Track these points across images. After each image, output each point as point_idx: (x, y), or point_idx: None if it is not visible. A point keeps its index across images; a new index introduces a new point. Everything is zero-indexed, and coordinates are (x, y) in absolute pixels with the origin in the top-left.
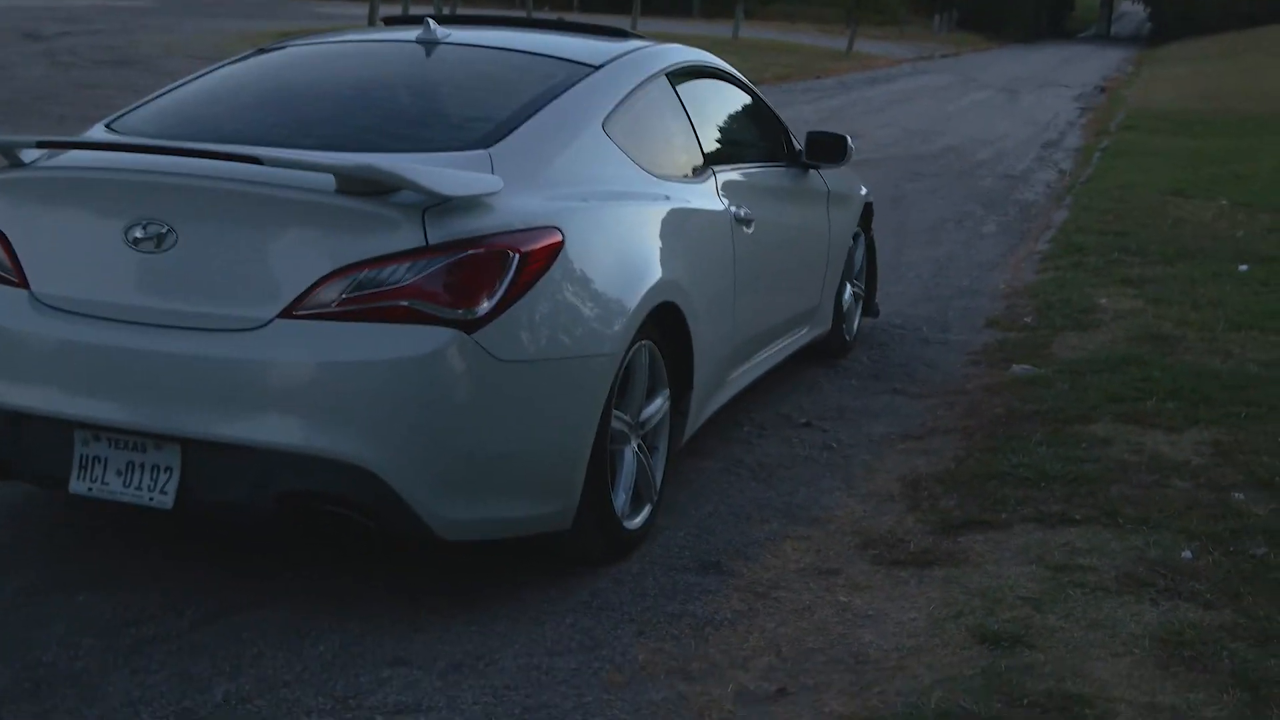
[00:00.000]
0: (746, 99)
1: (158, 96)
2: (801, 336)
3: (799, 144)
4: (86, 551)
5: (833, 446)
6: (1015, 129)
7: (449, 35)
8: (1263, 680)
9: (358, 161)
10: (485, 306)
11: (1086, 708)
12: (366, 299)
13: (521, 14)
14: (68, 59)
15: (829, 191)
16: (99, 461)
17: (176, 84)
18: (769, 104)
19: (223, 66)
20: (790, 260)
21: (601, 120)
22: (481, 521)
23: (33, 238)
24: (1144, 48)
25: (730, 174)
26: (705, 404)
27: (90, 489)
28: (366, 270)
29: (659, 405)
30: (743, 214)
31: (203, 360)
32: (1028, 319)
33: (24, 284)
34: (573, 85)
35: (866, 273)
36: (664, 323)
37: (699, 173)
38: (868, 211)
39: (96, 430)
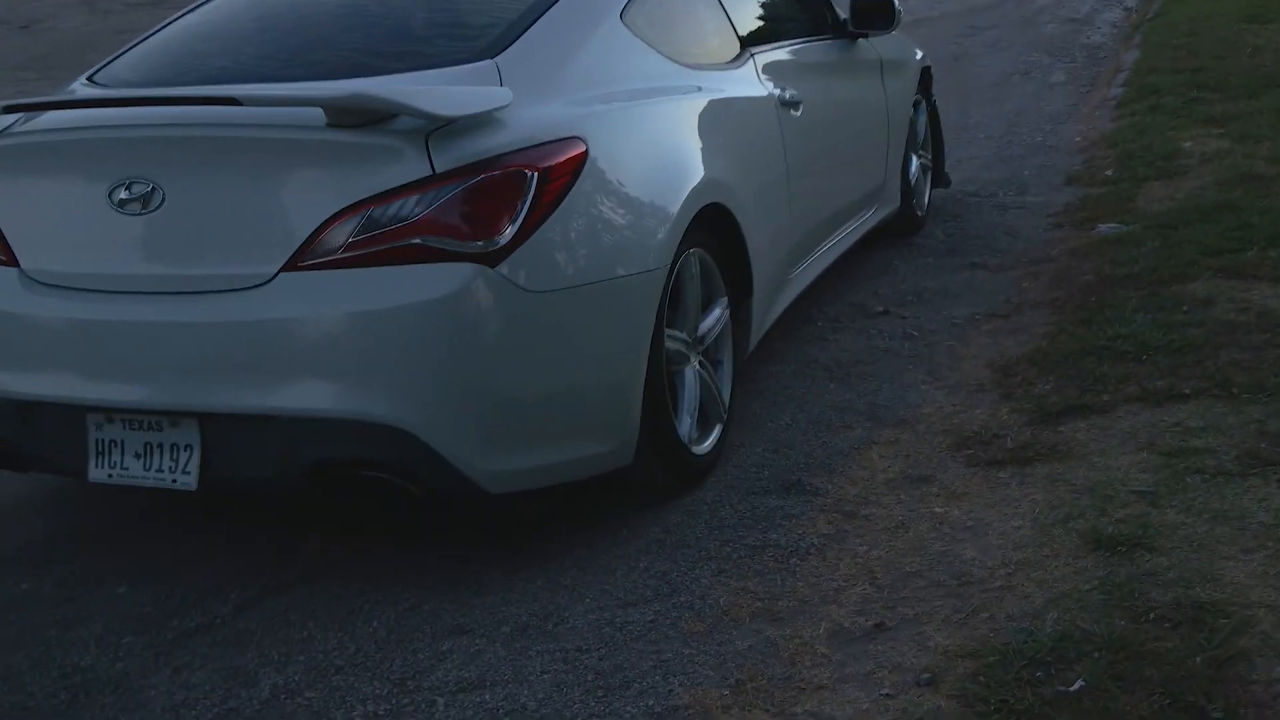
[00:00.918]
0: None
1: (142, 40)
2: (869, 218)
3: (843, 13)
4: (124, 541)
5: (913, 335)
6: None
7: None
8: None
9: (346, 90)
10: (506, 235)
11: (1221, 617)
12: (374, 241)
13: None
14: (105, 6)
15: (881, 60)
16: (115, 445)
17: (162, 24)
18: None
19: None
20: (846, 139)
21: (619, 10)
22: (532, 470)
23: (16, 210)
24: None
25: (770, 54)
26: (769, 307)
27: (111, 475)
28: (370, 209)
29: (717, 316)
30: (788, 96)
31: (206, 326)
32: (1108, 172)
33: (12, 261)
34: None
35: (931, 141)
36: (713, 227)
37: (735, 57)
38: (926, 76)
39: (109, 413)
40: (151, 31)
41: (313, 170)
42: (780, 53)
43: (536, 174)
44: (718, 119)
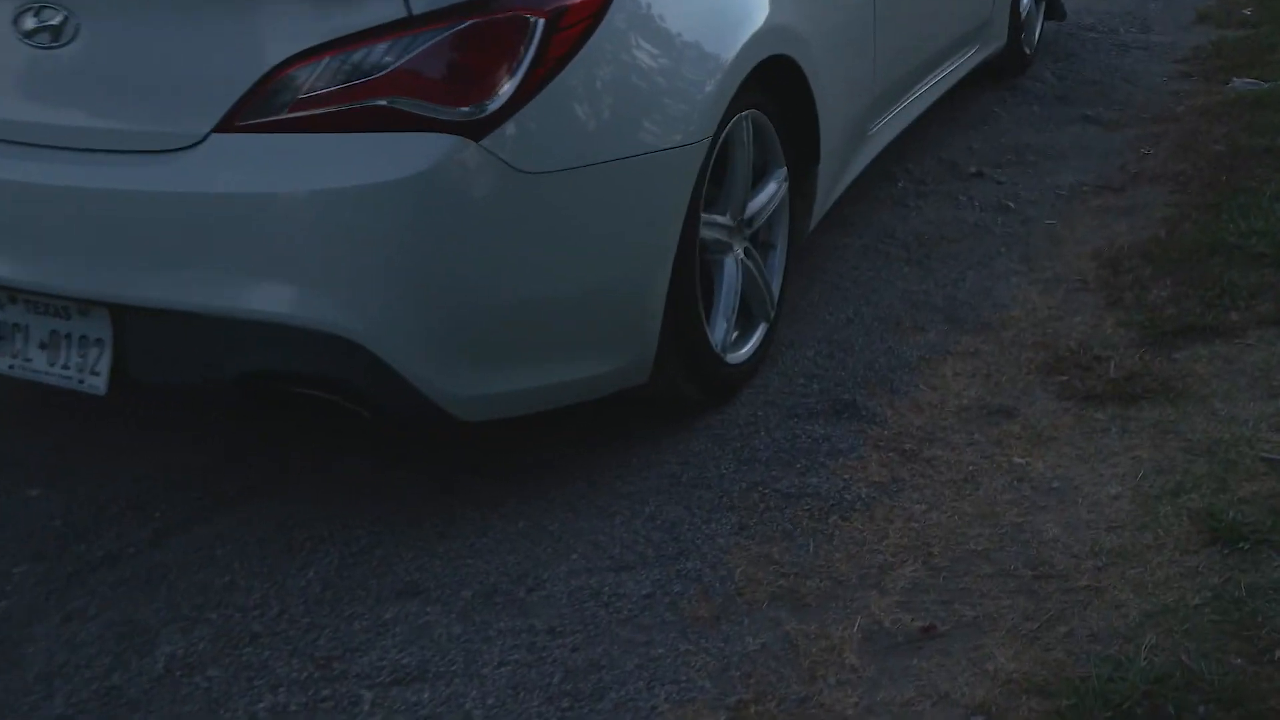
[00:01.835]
0: None
1: None
2: (970, 58)
3: None
4: (59, 425)
5: (1010, 206)
6: None
7: None
8: None
9: None
10: (499, 99)
11: None
12: (329, 99)
13: None
14: None
15: None
16: (19, 330)
17: None
18: None
19: None
20: None
21: None
22: (517, 393)
23: None
24: None
25: None
26: (841, 173)
27: (12, 366)
28: (326, 58)
29: (772, 192)
30: None
31: (118, 195)
32: (1246, 10)
33: None
34: None
35: None
36: (773, 81)
37: None
38: None
39: (11, 291)
40: None
41: (258, 5)
42: None
43: (544, 20)
44: None
